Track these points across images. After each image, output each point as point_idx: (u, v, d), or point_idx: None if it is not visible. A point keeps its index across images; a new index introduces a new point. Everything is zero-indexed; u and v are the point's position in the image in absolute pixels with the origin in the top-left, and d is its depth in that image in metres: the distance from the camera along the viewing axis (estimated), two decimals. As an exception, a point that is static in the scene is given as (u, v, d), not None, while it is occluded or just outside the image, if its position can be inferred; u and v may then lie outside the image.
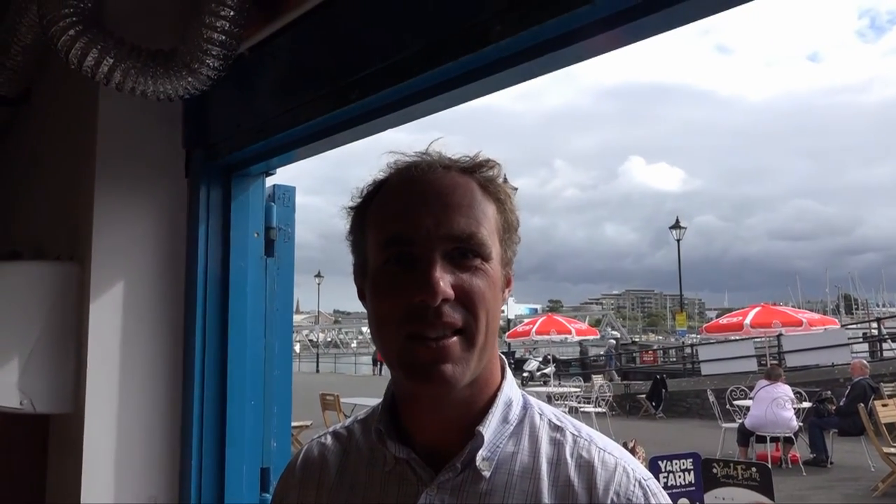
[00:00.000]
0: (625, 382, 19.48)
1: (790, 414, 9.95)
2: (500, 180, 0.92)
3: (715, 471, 4.62)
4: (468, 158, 0.92)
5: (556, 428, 0.92)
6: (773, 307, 15.98)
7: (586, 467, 0.88)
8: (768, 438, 9.97)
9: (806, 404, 10.84)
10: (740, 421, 10.62)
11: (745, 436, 10.23)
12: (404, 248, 0.85)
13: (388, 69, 1.36)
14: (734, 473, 4.58)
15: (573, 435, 0.91)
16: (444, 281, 0.82)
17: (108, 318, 1.92)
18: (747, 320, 14.64)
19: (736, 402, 11.68)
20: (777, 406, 9.85)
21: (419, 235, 0.84)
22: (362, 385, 22.17)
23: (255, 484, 1.96)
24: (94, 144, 1.97)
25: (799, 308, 20.35)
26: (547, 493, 0.86)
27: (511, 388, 0.94)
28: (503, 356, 0.97)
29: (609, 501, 0.85)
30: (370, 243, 0.90)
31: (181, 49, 1.67)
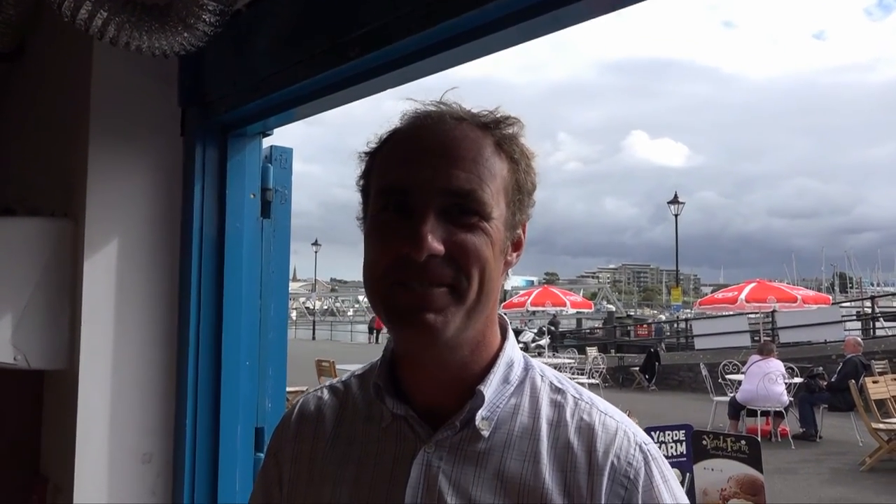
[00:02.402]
0: (618, 355, 19.62)
1: (781, 389, 10.06)
2: (520, 139, 0.89)
3: (705, 443, 4.65)
4: (487, 112, 0.88)
5: (556, 390, 0.91)
6: (769, 283, 16.04)
7: (586, 430, 0.87)
8: (759, 412, 10.08)
9: (797, 380, 10.95)
10: (732, 395, 10.73)
11: (736, 409, 10.35)
12: (400, 198, 0.83)
13: (388, 25, 1.33)
14: (724, 446, 4.59)
15: (574, 397, 0.90)
16: (434, 235, 0.80)
17: (103, 274, 1.92)
18: (742, 295, 14.70)
19: (728, 377, 11.79)
20: (769, 381, 9.94)
21: (415, 185, 0.82)
22: (358, 352, 22.33)
23: (249, 443, 1.97)
24: (88, 100, 1.94)
25: (794, 285, 20.40)
26: (546, 454, 0.85)
27: (513, 349, 0.93)
28: (504, 317, 0.95)
29: (609, 464, 0.84)
30: (372, 189, 0.88)
31: (177, 3, 1.64)
